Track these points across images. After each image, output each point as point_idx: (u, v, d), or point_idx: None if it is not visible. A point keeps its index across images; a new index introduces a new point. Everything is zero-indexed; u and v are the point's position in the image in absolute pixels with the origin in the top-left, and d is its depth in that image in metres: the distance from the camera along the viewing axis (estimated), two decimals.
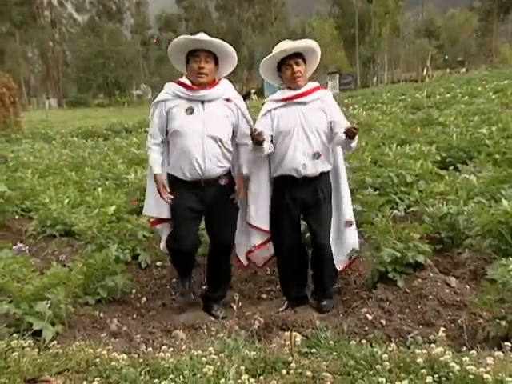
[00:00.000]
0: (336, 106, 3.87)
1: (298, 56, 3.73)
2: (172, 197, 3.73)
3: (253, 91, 44.45)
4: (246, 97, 37.73)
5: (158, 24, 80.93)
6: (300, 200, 3.80)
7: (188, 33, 3.80)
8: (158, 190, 3.76)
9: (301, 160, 3.68)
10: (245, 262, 4.11)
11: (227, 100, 3.77)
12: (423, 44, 71.38)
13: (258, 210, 3.88)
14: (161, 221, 3.97)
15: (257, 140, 3.51)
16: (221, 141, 3.69)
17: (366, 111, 16.05)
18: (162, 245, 4.07)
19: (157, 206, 3.88)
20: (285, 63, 3.74)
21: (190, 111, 3.66)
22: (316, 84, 3.88)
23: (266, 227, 3.90)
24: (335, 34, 64.93)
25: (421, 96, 18.30)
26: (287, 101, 3.78)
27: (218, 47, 3.68)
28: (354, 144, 3.63)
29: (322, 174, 3.77)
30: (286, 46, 3.74)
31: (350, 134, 3.46)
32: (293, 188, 3.78)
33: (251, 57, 70.07)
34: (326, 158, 3.76)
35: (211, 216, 3.89)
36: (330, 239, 3.87)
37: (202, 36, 3.64)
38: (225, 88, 3.81)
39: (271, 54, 3.76)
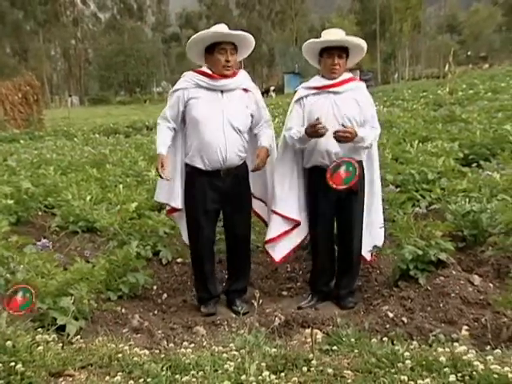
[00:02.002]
0: (369, 99, 3.80)
1: (343, 49, 3.66)
2: (170, 177, 3.74)
3: (272, 88, 44.37)
4: (264, 93, 37.73)
5: (178, 21, 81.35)
6: (333, 191, 3.66)
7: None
8: (157, 168, 3.75)
9: (333, 149, 3.61)
10: (276, 258, 3.98)
11: (245, 90, 3.78)
12: (445, 39, 70.56)
13: (287, 199, 3.84)
14: (176, 209, 3.97)
15: (318, 133, 3.48)
16: (240, 131, 3.71)
17: (387, 108, 15.88)
18: (184, 235, 4.06)
19: (169, 192, 3.91)
20: (328, 51, 3.65)
21: (210, 100, 3.68)
22: (350, 75, 3.81)
23: (293, 215, 3.85)
24: (355, 30, 64.49)
25: (443, 93, 18.02)
26: (320, 89, 3.72)
27: (242, 39, 3.71)
28: (364, 144, 3.63)
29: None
30: (336, 36, 3.64)
31: (337, 138, 3.51)
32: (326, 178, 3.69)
33: (271, 53, 70.04)
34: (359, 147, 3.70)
35: (227, 206, 3.87)
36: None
37: (227, 29, 3.68)
38: (243, 78, 3.82)
39: (320, 39, 3.67)
